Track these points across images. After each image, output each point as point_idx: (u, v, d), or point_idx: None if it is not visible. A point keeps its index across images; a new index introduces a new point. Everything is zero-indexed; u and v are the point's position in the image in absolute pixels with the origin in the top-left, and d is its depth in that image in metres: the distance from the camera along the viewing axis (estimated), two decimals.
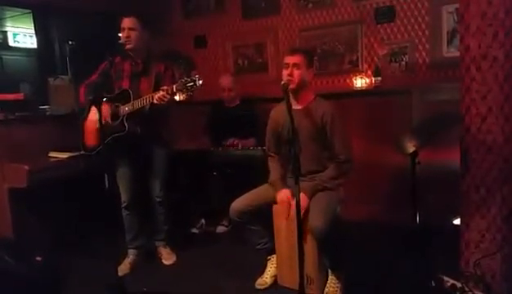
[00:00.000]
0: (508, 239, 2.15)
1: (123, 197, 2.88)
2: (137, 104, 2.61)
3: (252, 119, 3.63)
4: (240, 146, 3.45)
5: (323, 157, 2.44)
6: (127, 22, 2.75)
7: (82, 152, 2.95)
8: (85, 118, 2.87)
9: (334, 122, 2.38)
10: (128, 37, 2.72)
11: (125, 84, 2.76)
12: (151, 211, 3.00)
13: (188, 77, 2.39)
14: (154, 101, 2.51)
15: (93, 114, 2.73)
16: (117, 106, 2.72)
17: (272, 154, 2.63)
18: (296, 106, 2.43)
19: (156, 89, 2.60)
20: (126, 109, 2.66)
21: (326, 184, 2.38)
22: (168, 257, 3.03)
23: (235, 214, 2.46)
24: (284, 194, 2.40)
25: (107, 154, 2.59)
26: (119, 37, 2.75)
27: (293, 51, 2.42)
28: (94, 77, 2.85)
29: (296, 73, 2.34)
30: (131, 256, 2.97)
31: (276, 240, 2.55)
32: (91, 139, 2.82)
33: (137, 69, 2.80)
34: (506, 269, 2.16)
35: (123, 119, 2.68)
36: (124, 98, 2.69)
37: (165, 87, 2.49)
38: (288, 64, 2.36)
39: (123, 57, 2.81)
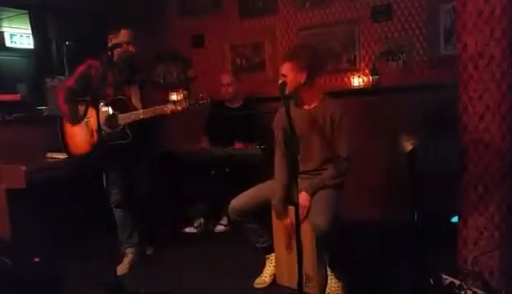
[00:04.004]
0: (506, 237, 2.15)
1: (114, 196, 2.86)
2: (148, 113, 2.66)
3: (254, 121, 3.62)
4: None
5: (328, 155, 2.45)
6: (130, 35, 2.72)
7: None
8: (63, 122, 2.88)
9: (343, 121, 2.40)
10: (133, 51, 2.73)
11: (109, 91, 2.76)
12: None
13: (199, 97, 2.66)
14: (168, 112, 2.65)
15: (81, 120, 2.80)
16: (114, 114, 2.71)
17: (279, 155, 2.56)
18: (304, 106, 2.48)
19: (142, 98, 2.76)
20: (133, 116, 2.67)
21: (327, 182, 2.39)
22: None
23: (234, 212, 2.47)
24: (285, 224, 2.43)
25: (101, 158, 2.57)
26: (110, 42, 2.73)
27: (282, 60, 2.44)
28: (71, 83, 2.82)
29: (286, 81, 2.36)
30: (129, 255, 2.96)
31: (275, 239, 2.55)
32: (80, 145, 2.81)
33: (121, 78, 2.80)
34: (504, 267, 2.16)
35: (124, 127, 2.69)
36: (120, 106, 2.71)
37: (179, 102, 2.67)
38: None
39: (105, 63, 2.75)
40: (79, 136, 2.82)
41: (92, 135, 2.74)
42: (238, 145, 3.49)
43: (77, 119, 2.81)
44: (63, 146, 2.89)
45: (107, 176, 2.77)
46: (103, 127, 2.61)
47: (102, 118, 2.66)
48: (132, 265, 2.92)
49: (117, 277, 2.43)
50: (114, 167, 2.83)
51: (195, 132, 3.89)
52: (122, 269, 2.84)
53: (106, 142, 2.62)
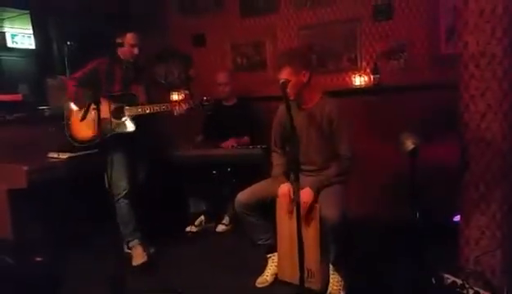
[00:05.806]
0: (507, 236, 2.15)
1: (123, 185, 2.90)
2: (154, 108, 2.83)
3: (248, 118, 3.65)
4: (235, 146, 3.51)
5: (329, 153, 2.46)
6: (135, 38, 2.89)
7: (82, 152, 3.00)
8: (70, 112, 2.96)
9: (341, 119, 2.41)
10: (137, 53, 2.90)
11: (117, 87, 2.89)
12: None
13: (203, 100, 2.90)
14: (175, 113, 2.85)
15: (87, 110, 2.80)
16: (120, 106, 2.86)
17: (277, 150, 2.66)
18: (303, 106, 2.48)
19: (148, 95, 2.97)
20: (139, 110, 2.84)
21: (331, 179, 2.41)
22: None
23: (240, 206, 2.48)
24: (284, 188, 2.42)
25: (111, 145, 2.83)
26: (118, 43, 2.88)
27: (279, 67, 2.39)
28: (81, 75, 2.92)
29: (288, 87, 2.30)
30: (138, 247, 2.96)
31: (278, 233, 2.54)
32: (85, 133, 2.89)
33: (129, 75, 2.95)
34: (506, 266, 2.16)
35: (130, 118, 2.86)
36: (129, 100, 2.87)
37: (184, 102, 2.84)
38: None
39: (113, 61, 2.92)
40: (85, 125, 2.84)
41: (95, 125, 2.78)
42: (226, 145, 3.54)
43: (83, 105, 2.82)
44: (69, 136, 2.95)
45: (116, 165, 2.87)
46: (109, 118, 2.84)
47: (110, 108, 2.86)
48: (148, 253, 2.96)
49: (118, 275, 2.42)
50: (123, 154, 2.93)
51: (192, 133, 3.89)
52: (138, 259, 2.89)
53: (112, 131, 2.84)
